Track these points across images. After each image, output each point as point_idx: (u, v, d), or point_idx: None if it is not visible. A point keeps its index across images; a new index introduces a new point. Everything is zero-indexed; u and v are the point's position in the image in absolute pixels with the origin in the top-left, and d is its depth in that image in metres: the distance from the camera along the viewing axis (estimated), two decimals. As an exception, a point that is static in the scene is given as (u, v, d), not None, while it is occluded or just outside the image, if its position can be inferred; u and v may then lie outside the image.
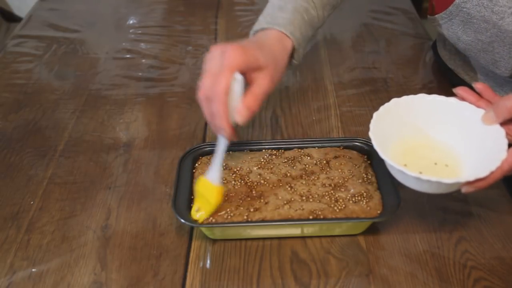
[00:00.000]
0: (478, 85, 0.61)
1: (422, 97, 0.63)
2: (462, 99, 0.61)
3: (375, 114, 0.61)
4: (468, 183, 0.54)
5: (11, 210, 0.69)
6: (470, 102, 0.61)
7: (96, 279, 0.60)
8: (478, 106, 0.60)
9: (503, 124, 0.57)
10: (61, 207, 0.69)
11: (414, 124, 0.64)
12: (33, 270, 0.61)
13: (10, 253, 0.63)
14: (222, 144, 0.62)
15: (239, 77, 0.60)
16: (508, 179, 0.72)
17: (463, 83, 0.88)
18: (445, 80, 0.92)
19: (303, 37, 0.72)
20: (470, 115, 0.60)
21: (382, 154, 0.56)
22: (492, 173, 0.53)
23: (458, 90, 0.62)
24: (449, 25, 0.78)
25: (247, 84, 0.63)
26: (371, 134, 0.58)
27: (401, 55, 1.00)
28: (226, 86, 0.59)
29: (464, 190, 0.55)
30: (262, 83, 0.63)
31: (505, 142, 0.56)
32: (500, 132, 0.57)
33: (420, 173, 0.55)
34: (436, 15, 0.79)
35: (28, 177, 0.74)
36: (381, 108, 0.62)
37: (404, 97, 0.63)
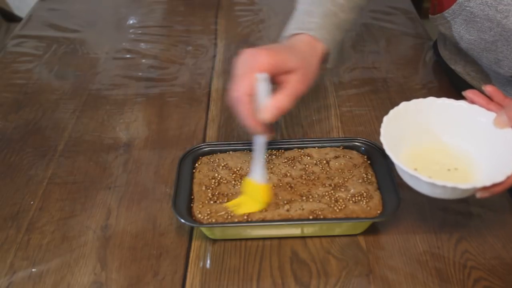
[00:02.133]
0: (488, 88, 0.60)
1: (431, 100, 0.63)
2: (472, 102, 0.61)
3: (385, 118, 0.60)
4: (484, 188, 0.54)
5: (11, 210, 0.69)
6: (481, 105, 0.60)
7: (96, 279, 0.60)
8: (488, 110, 0.59)
9: None
10: (61, 207, 0.69)
11: (424, 128, 0.63)
12: (33, 270, 0.61)
13: (10, 253, 0.63)
14: (258, 143, 0.64)
15: (263, 76, 0.60)
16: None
17: (463, 83, 0.88)
18: (445, 80, 0.92)
19: (334, 41, 0.71)
20: (481, 118, 0.60)
21: (394, 159, 0.55)
22: (508, 177, 0.52)
23: (468, 93, 0.61)
24: (451, 24, 0.78)
25: (277, 86, 0.64)
26: (382, 138, 0.57)
27: (401, 55, 1.00)
28: (248, 87, 0.60)
29: (479, 195, 0.55)
30: (293, 84, 0.63)
31: None
32: None
33: (430, 177, 0.54)
34: (439, 14, 0.79)
35: (28, 177, 0.74)
36: (391, 112, 0.61)
37: (414, 101, 0.63)
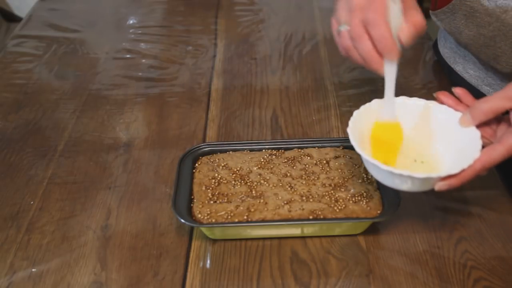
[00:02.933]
0: (457, 90, 0.61)
1: (403, 99, 0.64)
2: (442, 103, 0.62)
3: (355, 112, 0.61)
4: (441, 179, 0.55)
5: (11, 210, 0.69)
6: (449, 106, 0.61)
7: (96, 279, 0.60)
8: (457, 110, 0.61)
9: (479, 126, 0.58)
10: (61, 207, 0.69)
11: None
12: (33, 270, 0.61)
13: (10, 253, 0.63)
14: (391, 73, 0.58)
15: None
16: (508, 179, 0.72)
17: (463, 82, 0.88)
18: (445, 80, 0.92)
19: None
20: (448, 118, 0.61)
21: (358, 149, 0.56)
22: (463, 170, 0.54)
23: (438, 94, 0.62)
24: (451, 19, 0.78)
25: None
26: (349, 130, 0.59)
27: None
28: (383, 7, 0.55)
29: (437, 187, 0.55)
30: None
31: (479, 143, 0.56)
32: (475, 134, 0.58)
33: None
34: (439, 10, 0.79)
35: (28, 177, 0.74)
36: (362, 107, 0.62)
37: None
